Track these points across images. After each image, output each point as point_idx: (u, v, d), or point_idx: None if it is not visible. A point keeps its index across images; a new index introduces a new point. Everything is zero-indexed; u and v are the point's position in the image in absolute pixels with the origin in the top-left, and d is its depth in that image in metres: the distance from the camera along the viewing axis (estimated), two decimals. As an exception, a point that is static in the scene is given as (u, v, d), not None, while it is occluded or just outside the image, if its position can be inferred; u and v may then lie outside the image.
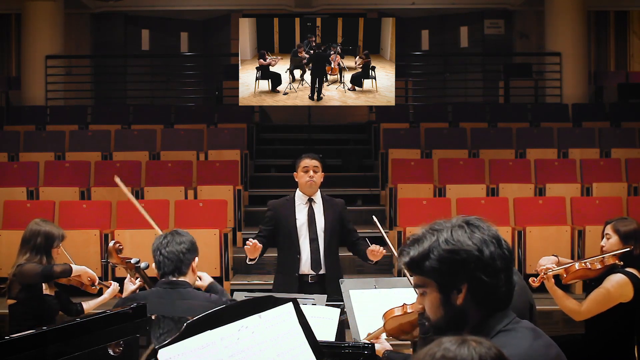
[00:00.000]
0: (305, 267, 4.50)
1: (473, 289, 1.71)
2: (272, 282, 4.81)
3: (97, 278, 4.30)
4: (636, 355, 3.95)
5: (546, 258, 3.98)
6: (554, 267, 3.87)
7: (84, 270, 4.22)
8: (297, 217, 4.54)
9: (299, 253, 4.50)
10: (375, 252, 4.32)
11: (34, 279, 4.08)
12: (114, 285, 4.36)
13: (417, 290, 1.84)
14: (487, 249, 1.72)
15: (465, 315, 1.73)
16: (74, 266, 4.19)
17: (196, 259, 3.16)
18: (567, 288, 4.07)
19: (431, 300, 1.77)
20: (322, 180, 4.59)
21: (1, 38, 13.74)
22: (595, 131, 10.34)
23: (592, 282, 3.94)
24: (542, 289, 4.11)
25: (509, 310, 1.78)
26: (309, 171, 4.51)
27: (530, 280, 3.85)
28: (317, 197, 4.59)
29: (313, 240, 4.50)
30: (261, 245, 4.32)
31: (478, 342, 1.38)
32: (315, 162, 4.54)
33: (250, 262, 4.39)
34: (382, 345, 2.90)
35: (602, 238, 3.97)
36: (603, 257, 3.88)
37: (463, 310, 1.73)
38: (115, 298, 4.41)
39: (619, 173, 9.23)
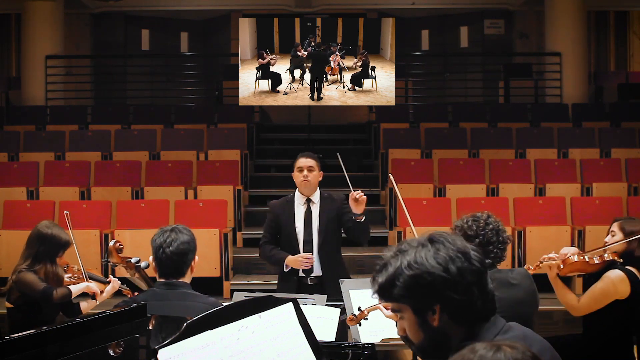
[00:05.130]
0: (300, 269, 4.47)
1: (447, 309, 1.68)
2: (272, 282, 4.80)
3: (99, 292, 4.27)
4: (635, 354, 3.95)
5: (567, 248, 3.94)
6: (555, 257, 3.84)
7: (85, 288, 4.19)
8: (296, 219, 4.50)
9: None
10: (356, 197, 4.25)
11: (33, 294, 4.03)
12: (114, 282, 4.30)
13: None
14: (454, 265, 1.68)
15: (446, 334, 1.70)
16: (74, 288, 4.15)
17: (196, 257, 3.12)
18: (567, 283, 4.02)
19: (409, 323, 1.74)
20: (320, 179, 4.54)
21: (1, 38, 13.74)
22: (595, 131, 10.33)
23: (590, 277, 3.93)
24: (542, 288, 4.09)
25: (496, 317, 1.75)
26: (303, 171, 4.47)
27: (525, 266, 3.80)
28: (316, 197, 4.54)
29: (307, 242, 4.46)
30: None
31: (512, 347, 1.36)
32: (310, 162, 4.49)
33: (287, 270, 4.42)
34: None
35: (607, 235, 3.95)
36: (603, 253, 3.85)
37: (442, 330, 1.70)
38: (114, 297, 4.40)
39: (619, 173, 9.22)
